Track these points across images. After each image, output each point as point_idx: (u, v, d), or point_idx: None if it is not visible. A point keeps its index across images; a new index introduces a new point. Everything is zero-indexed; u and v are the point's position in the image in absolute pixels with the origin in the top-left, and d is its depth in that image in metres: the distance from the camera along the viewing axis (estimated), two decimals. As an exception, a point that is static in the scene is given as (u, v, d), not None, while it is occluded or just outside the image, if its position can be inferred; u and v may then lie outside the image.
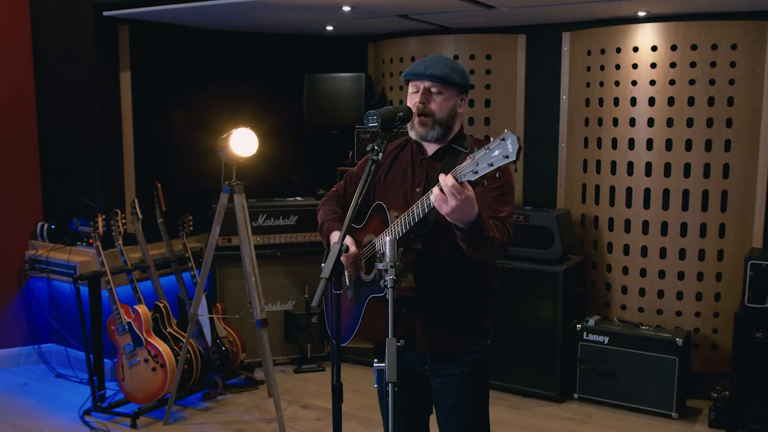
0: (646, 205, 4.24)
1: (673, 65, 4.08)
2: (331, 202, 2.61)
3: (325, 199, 2.63)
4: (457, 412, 2.39)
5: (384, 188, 2.44)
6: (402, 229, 2.18)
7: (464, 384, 2.38)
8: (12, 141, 4.68)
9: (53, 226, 4.67)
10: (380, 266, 2.02)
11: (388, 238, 2.04)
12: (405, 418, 2.52)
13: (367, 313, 2.28)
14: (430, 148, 2.40)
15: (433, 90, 2.31)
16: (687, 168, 4.13)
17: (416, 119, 2.32)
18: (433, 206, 2.05)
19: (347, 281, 2.36)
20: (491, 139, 1.92)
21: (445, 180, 1.99)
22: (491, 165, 1.90)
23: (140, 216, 4.22)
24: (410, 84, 2.36)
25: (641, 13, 4.11)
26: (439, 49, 4.78)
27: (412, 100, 2.34)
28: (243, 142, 3.85)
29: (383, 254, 2.04)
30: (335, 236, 2.37)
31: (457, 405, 2.39)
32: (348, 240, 2.29)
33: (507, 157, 1.87)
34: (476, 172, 1.93)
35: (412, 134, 2.37)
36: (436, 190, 2.02)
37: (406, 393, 2.47)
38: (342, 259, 2.20)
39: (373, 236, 2.32)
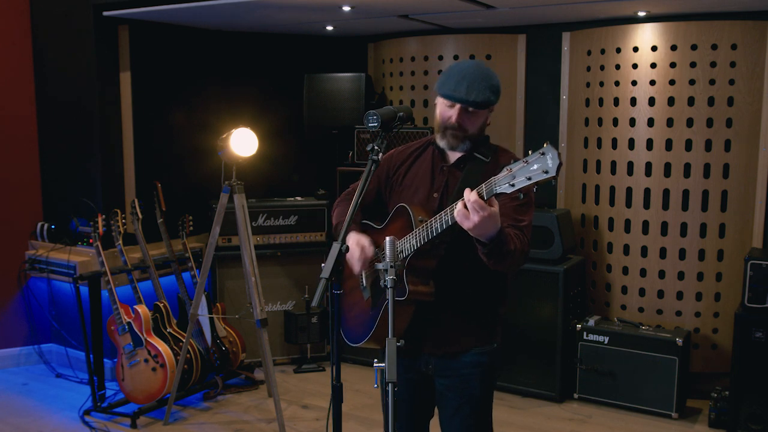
0: (646, 205, 4.24)
1: (673, 65, 4.08)
2: (346, 201, 2.53)
3: (340, 200, 2.58)
4: (460, 413, 2.38)
5: (401, 189, 2.42)
6: (425, 236, 2.17)
7: (469, 386, 2.37)
8: (12, 141, 4.68)
9: (53, 226, 4.67)
10: (379, 266, 2.02)
11: (388, 238, 2.04)
12: (407, 419, 2.51)
13: (386, 314, 2.27)
14: (452, 155, 2.37)
15: (470, 109, 2.27)
16: (687, 168, 4.12)
17: (449, 132, 2.29)
18: (455, 217, 2.04)
19: (364, 281, 2.35)
20: (530, 152, 1.90)
21: (469, 195, 1.98)
22: (529, 179, 1.89)
23: (140, 216, 4.22)
24: (445, 97, 2.29)
25: (641, 13, 4.11)
26: (439, 49, 4.78)
27: (445, 113, 2.29)
28: (243, 142, 3.85)
29: (383, 254, 2.03)
30: (352, 237, 2.33)
31: (461, 406, 2.38)
32: (365, 240, 2.28)
33: (546, 172, 1.86)
34: (513, 185, 1.92)
35: (442, 143, 2.34)
36: (459, 205, 2.02)
37: (409, 393, 2.47)
38: (359, 259, 2.20)
39: (396, 238, 2.30)
